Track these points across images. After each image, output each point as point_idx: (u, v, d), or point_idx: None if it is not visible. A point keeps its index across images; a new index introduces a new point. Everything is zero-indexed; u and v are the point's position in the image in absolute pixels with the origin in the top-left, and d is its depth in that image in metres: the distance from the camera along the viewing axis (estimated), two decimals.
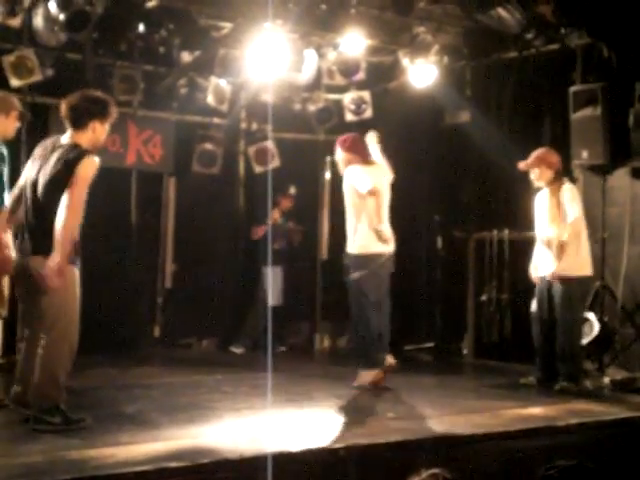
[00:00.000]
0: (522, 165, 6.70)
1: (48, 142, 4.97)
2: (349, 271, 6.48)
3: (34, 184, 4.83)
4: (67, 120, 4.89)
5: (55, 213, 4.70)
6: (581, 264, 6.53)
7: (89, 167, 4.72)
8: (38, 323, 4.85)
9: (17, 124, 5.14)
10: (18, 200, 4.96)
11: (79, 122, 4.86)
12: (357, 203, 6.45)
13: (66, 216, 4.64)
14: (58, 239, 4.62)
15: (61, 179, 4.71)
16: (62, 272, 4.63)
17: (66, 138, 4.89)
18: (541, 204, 6.71)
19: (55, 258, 4.61)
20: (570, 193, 6.56)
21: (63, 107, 4.90)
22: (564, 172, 7.12)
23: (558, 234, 6.50)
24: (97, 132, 4.90)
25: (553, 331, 6.56)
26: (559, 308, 6.53)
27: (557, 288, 6.52)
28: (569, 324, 6.52)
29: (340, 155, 6.65)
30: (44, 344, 4.77)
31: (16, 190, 5.02)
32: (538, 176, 6.64)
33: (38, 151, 4.97)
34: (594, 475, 2.78)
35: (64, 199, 4.66)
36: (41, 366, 4.77)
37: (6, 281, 5.44)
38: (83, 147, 4.82)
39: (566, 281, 6.48)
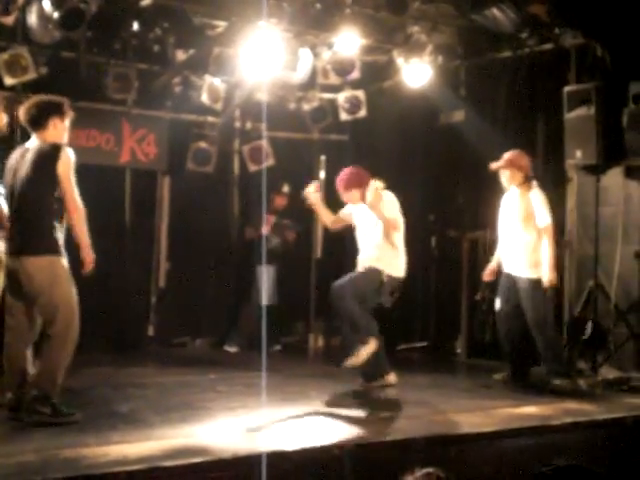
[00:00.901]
0: (493, 166, 6.71)
1: (17, 151, 5.08)
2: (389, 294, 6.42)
3: (13, 189, 4.92)
4: (28, 124, 5.02)
5: (39, 212, 4.81)
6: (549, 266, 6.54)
7: (64, 159, 4.85)
8: (38, 319, 5.01)
9: (3, 117, 5.19)
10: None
11: (39, 122, 4.97)
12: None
13: (69, 209, 4.88)
14: (74, 228, 4.94)
15: (40, 174, 4.84)
16: (89, 252, 4.97)
17: (32, 141, 5.00)
18: (510, 205, 6.72)
19: (82, 243, 4.95)
20: (541, 197, 6.59)
21: (21, 113, 5.02)
22: (559, 172, 7.14)
23: (535, 236, 6.53)
24: (58, 128, 5.01)
25: (521, 329, 6.63)
26: (527, 309, 6.57)
27: (523, 289, 6.57)
28: (540, 323, 6.55)
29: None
30: (48, 338, 4.90)
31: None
32: (509, 178, 6.67)
33: (10, 161, 5.05)
34: (591, 477, 2.77)
35: (61, 193, 4.84)
36: (43, 358, 4.90)
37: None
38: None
39: (533, 282, 6.52)
